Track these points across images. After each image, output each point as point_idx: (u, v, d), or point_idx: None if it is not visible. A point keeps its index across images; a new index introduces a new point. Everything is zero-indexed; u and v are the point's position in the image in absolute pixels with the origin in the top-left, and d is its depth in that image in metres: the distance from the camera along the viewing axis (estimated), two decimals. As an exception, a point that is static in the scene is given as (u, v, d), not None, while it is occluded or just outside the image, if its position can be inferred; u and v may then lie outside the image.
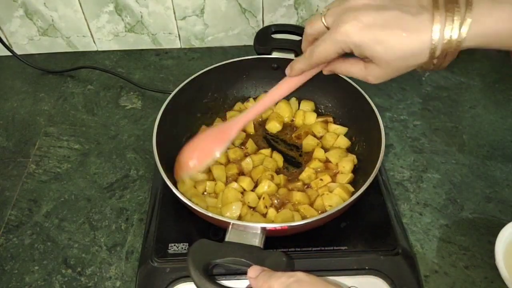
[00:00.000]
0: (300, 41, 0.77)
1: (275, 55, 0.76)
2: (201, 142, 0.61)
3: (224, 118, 0.77)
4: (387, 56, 0.42)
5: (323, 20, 0.47)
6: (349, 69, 0.49)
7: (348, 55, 0.47)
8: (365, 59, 0.46)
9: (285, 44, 0.77)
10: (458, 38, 0.40)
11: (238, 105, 0.79)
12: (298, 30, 0.80)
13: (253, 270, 0.46)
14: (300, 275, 0.43)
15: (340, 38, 0.43)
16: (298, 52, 0.76)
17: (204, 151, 0.60)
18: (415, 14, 0.41)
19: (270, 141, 0.74)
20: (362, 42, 0.42)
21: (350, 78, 0.71)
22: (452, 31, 0.40)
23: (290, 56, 0.76)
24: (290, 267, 0.48)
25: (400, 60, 0.43)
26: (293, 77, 0.54)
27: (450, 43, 0.40)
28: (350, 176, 0.66)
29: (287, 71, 0.54)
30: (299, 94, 0.76)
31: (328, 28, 0.46)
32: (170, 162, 0.67)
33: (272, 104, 0.58)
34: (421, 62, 0.43)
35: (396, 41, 0.41)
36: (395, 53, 0.42)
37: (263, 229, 0.52)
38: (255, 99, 0.80)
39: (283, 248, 0.57)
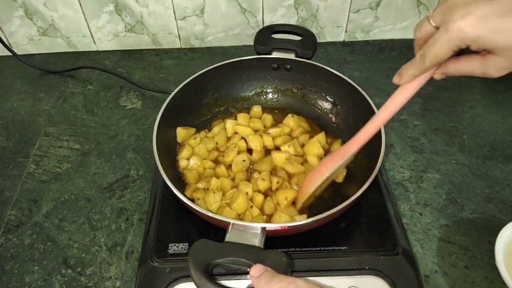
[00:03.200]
0: (300, 41, 0.78)
1: (275, 55, 0.77)
2: (319, 167, 0.61)
3: (234, 118, 0.76)
4: (511, 44, 0.40)
5: (431, 21, 0.44)
6: (465, 67, 0.46)
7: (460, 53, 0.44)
8: (482, 52, 0.44)
9: (285, 44, 0.77)
10: None
11: (253, 108, 0.78)
12: (298, 30, 0.80)
13: (256, 269, 0.46)
14: (300, 283, 0.43)
15: (455, 36, 0.41)
16: (298, 52, 0.76)
17: (317, 172, 0.60)
18: None
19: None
20: (480, 35, 0.40)
21: (348, 77, 0.71)
22: None
23: (290, 56, 0.76)
24: (290, 267, 0.48)
25: None
26: (406, 84, 0.50)
27: None
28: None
29: (396, 79, 0.50)
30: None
31: (437, 28, 0.44)
32: (170, 162, 0.67)
33: (390, 117, 0.54)
34: None
35: None
36: None
37: (263, 229, 0.52)
38: (257, 94, 0.80)
39: (283, 248, 0.57)
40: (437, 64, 0.46)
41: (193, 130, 0.73)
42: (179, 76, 0.94)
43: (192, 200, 0.63)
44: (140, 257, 0.61)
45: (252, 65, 0.77)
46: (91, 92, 0.92)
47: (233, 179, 0.67)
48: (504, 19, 0.39)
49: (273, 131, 0.73)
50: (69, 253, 0.64)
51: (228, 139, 0.72)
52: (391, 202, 0.66)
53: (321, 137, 0.71)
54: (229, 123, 0.73)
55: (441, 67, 0.47)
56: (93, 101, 0.89)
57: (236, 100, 0.80)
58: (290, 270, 0.49)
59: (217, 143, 0.71)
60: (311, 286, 0.42)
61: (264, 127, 0.75)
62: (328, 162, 0.60)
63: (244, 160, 0.68)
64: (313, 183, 0.60)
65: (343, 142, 0.72)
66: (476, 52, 0.44)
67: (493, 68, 0.43)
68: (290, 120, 0.74)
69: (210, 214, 0.54)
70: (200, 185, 0.65)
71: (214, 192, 0.63)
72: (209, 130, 0.75)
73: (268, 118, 0.76)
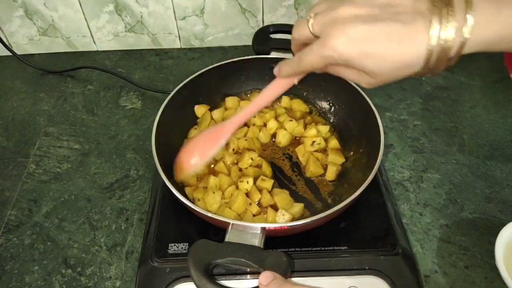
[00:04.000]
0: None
1: (273, 55, 0.77)
2: (197, 143, 0.60)
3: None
4: (378, 69, 0.41)
5: (310, 28, 0.45)
6: (343, 72, 0.46)
7: None
8: None
9: (283, 44, 0.77)
10: (458, 45, 0.38)
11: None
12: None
13: (264, 277, 0.45)
14: None
15: (328, 53, 0.42)
16: (296, 52, 0.76)
17: (199, 152, 0.59)
18: (408, 22, 0.38)
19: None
20: (350, 57, 0.41)
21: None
22: (450, 37, 0.37)
23: (289, 56, 0.75)
24: (290, 267, 0.48)
25: (393, 71, 0.41)
26: (281, 78, 0.53)
27: (447, 50, 0.38)
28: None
29: (276, 71, 0.52)
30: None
31: (315, 36, 0.44)
32: (169, 162, 0.67)
33: (266, 104, 0.56)
34: (415, 71, 0.41)
35: (388, 54, 0.39)
36: (387, 66, 0.40)
37: (263, 229, 0.52)
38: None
39: (283, 248, 0.57)
40: (311, 71, 0.47)
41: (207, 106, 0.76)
42: (179, 76, 0.94)
43: (192, 201, 0.64)
44: (140, 257, 0.61)
45: (251, 65, 0.77)
46: (91, 92, 0.92)
47: (229, 174, 0.67)
48: (374, 44, 0.40)
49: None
50: (69, 253, 0.64)
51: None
52: (391, 202, 0.66)
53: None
54: (216, 113, 0.75)
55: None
56: (93, 101, 0.89)
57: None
58: (290, 270, 0.49)
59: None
60: None
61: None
62: (212, 140, 0.58)
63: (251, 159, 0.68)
64: (200, 160, 0.58)
65: (341, 139, 0.72)
66: None
67: (364, 82, 0.45)
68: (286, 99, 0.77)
69: (209, 215, 0.54)
70: (200, 184, 0.65)
71: (213, 192, 0.63)
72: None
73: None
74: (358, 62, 0.41)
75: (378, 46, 0.39)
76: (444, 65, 0.40)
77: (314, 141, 0.71)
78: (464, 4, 0.37)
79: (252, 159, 0.68)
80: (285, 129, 0.73)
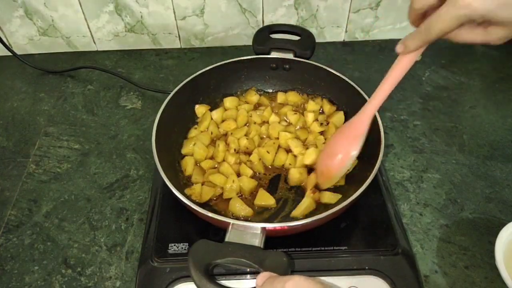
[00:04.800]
0: (299, 41, 0.78)
1: (273, 55, 0.77)
2: (336, 147, 0.60)
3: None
4: None
5: None
6: (467, 36, 0.46)
7: None
8: (483, 23, 0.44)
9: (283, 44, 0.77)
10: None
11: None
12: (296, 30, 0.80)
13: (260, 278, 0.46)
14: (296, 278, 0.42)
15: (463, 12, 0.41)
16: (296, 52, 0.76)
17: (343, 151, 0.59)
18: None
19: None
20: (487, 10, 0.41)
21: (349, 77, 0.71)
22: None
23: (289, 56, 0.76)
24: (290, 267, 0.48)
25: None
26: (407, 54, 0.51)
27: None
28: None
29: (399, 49, 0.50)
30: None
31: (440, 1, 0.44)
32: (169, 162, 0.67)
33: (392, 88, 0.55)
34: None
35: None
36: None
37: (263, 229, 0.52)
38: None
39: (283, 248, 0.57)
40: (442, 36, 0.46)
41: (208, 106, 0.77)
42: (179, 76, 0.94)
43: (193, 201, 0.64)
44: (140, 257, 0.61)
45: (251, 65, 0.77)
46: (91, 92, 0.92)
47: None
48: None
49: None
50: (69, 253, 0.64)
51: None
52: (391, 202, 0.66)
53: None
54: (216, 113, 0.75)
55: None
56: (93, 101, 0.89)
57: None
58: (290, 270, 0.49)
59: (212, 133, 0.72)
60: (310, 282, 0.42)
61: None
62: (349, 137, 0.58)
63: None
64: (341, 168, 0.60)
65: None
66: None
67: (495, 37, 0.45)
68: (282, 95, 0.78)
69: (210, 215, 0.54)
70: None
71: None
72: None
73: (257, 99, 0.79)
74: (496, 14, 0.41)
75: None
76: None
77: (317, 119, 0.73)
78: None
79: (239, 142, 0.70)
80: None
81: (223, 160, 0.69)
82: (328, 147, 0.62)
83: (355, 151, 0.58)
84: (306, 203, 0.61)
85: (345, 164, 0.59)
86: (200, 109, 0.76)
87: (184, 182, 0.66)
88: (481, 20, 0.43)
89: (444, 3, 0.43)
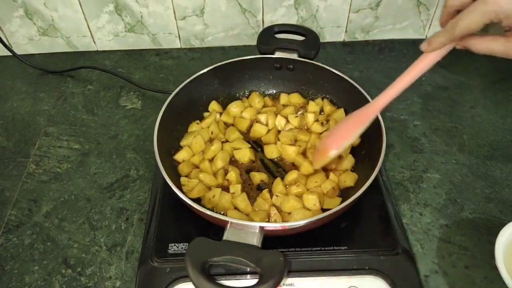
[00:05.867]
0: (303, 41, 0.78)
1: (278, 55, 0.76)
2: (341, 127, 0.62)
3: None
4: None
5: None
6: (488, 45, 0.47)
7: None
8: (507, 33, 0.45)
9: (288, 44, 0.77)
10: None
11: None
12: (301, 30, 0.80)
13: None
14: None
15: (491, 8, 0.42)
16: (300, 53, 0.76)
17: (342, 134, 0.60)
18: None
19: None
20: None
21: (350, 77, 0.71)
22: None
23: (293, 56, 0.76)
24: (287, 267, 0.48)
25: None
26: (430, 52, 0.51)
27: None
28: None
29: (424, 46, 0.51)
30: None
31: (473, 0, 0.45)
32: (170, 161, 0.67)
33: (410, 83, 0.54)
34: None
35: None
36: None
37: (261, 228, 0.52)
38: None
39: (283, 247, 0.57)
40: (467, 34, 0.46)
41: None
42: (179, 76, 0.94)
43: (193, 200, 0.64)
44: (140, 257, 0.61)
45: (255, 65, 0.77)
46: (91, 92, 0.92)
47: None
48: None
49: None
50: (69, 253, 0.64)
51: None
52: (391, 202, 0.66)
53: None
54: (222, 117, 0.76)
55: (466, 40, 0.48)
56: (93, 101, 0.89)
57: (237, 99, 0.79)
58: (287, 270, 0.49)
59: (212, 132, 0.72)
60: None
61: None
62: (356, 123, 0.59)
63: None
64: (339, 146, 0.60)
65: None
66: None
67: None
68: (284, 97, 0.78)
69: (209, 213, 0.54)
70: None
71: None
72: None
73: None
74: None
75: None
76: None
77: (317, 120, 0.73)
78: None
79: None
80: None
81: (210, 160, 0.69)
82: (336, 128, 0.63)
83: (355, 134, 0.59)
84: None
85: (339, 147, 0.60)
86: (212, 106, 0.77)
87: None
88: (507, 22, 0.43)
89: (474, 4, 0.44)
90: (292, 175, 0.66)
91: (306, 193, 0.62)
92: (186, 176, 0.67)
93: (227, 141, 0.72)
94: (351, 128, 0.60)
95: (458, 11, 0.47)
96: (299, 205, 0.61)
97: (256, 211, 0.62)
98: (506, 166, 0.75)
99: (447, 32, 0.47)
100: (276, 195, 0.63)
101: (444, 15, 0.50)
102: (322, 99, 0.77)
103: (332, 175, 0.65)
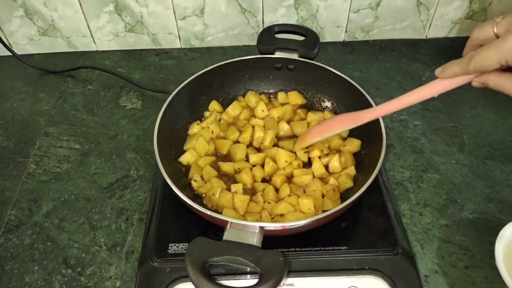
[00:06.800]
0: (303, 41, 0.78)
1: (278, 55, 0.76)
2: (326, 122, 0.64)
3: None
4: None
5: (495, 28, 0.45)
6: (505, 84, 0.46)
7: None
8: None
9: (288, 44, 0.77)
10: None
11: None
12: (301, 30, 0.80)
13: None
14: None
15: (508, 47, 0.41)
16: (301, 53, 0.76)
17: (321, 129, 0.63)
18: None
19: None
20: None
21: (350, 77, 0.71)
22: None
23: (293, 56, 0.76)
24: (287, 267, 0.48)
25: None
26: (443, 79, 0.50)
27: None
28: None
29: (438, 71, 0.50)
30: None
31: (497, 37, 0.45)
32: (170, 161, 0.67)
33: (413, 103, 0.53)
34: None
35: None
36: None
37: (261, 228, 0.52)
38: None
39: (283, 247, 0.57)
40: (481, 71, 0.46)
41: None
42: (179, 76, 0.94)
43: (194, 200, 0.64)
44: (140, 257, 0.61)
45: (255, 65, 0.77)
46: (91, 92, 0.92)
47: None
48: None
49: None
50: (69, 253, 0.64)
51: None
52: (391, 202, 0.66)
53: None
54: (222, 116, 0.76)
55: (482, 76, 0.47)
56: (93, 101, 0.89)
57: (237, 100, 0.79)
58: (286, 270, 0.49)
59: (212, 132, 0.73)
60: None
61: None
62: (342, 121, 0.61)
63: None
64: (318, 136, 0.63)
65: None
66: None
67: None
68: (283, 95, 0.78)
69: (208, 213, 0.54)
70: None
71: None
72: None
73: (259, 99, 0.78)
74: None
75: None
76: None
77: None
78: None
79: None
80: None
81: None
82: (322, 121, 0.66)
83: (338, 130, 0.61)
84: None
85: (323, 135, 0.62)
86: (212, 106, 0.76)
87: (183, 181, 0.66)
88: None
89: (494, 41, 0.43)
90: (284, 191, 0.64)
91: (302, 197, 0.62)
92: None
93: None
94: (337, 125, 0.61)
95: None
96: (292, 208, 0.61)
97: (249, 212, 0.62)
98: (506, 166, 0.75)
99: (463, 63, 0.47)
100: (268, 202, 0.63)
101: (467, 47, 0.50)
102: (323, 110, 0.77)
103: (332, 179, 0.65)
